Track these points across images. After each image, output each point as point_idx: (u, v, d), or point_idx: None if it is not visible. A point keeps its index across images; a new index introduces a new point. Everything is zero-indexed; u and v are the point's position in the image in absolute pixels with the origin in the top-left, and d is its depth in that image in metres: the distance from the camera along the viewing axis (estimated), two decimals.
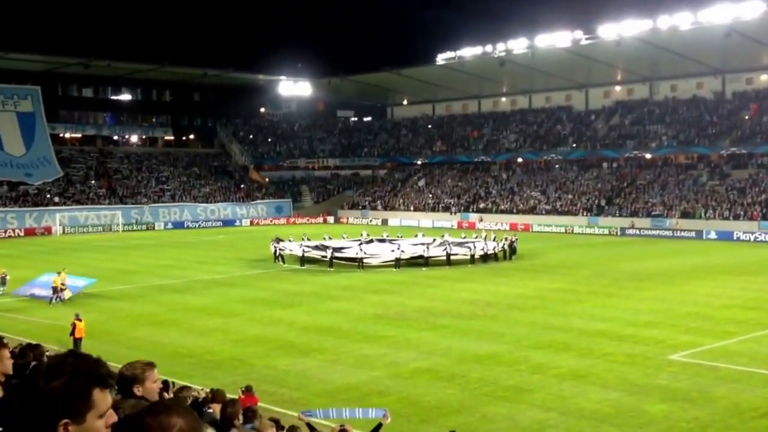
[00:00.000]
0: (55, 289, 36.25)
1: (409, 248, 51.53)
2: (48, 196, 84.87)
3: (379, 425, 14.36)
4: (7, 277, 39.94)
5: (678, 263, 49.14)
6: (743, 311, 31.66)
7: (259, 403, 17.19)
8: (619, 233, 72.65)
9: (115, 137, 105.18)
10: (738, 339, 26.58)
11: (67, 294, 36.46)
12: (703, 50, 78.84)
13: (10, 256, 49.46)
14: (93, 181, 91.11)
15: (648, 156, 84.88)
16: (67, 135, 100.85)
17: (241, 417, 9.23)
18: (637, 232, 71.90)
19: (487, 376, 22.32)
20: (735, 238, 65.89)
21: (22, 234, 77.78)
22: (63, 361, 2.47)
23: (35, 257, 51.05)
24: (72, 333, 25.87)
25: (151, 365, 5.10)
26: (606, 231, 73.94)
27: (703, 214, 70.98)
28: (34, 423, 2.33)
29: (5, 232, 77.10)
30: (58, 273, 37.24)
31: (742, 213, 69.48)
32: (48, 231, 79.51)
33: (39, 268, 42.82)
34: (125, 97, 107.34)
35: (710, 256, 53.80)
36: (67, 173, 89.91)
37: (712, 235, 67.24)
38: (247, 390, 17.36)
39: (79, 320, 26.33)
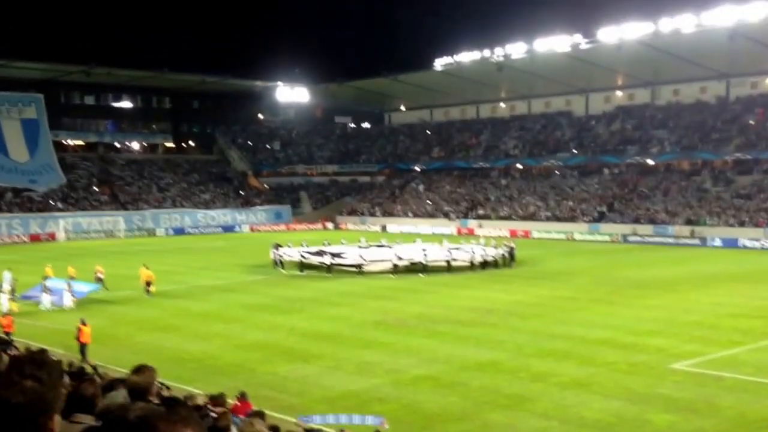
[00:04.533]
0: (148, 284, 40.13)
1: (406, 253, 51.40)
2: (52, 202, 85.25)
3: None
4: (102, 275, 42.51)
5: (681, 271, 48.76)
6: (749, 320, 31.23)
7: (255, 409, 17.22)
8: (620, 240, 72.22)
9: (117, 144, 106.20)
10: (744, 348, 26.24)
11: (153, 289, 40.12)
12: (706, 54, 77.97)
13: (15, 262, 49.36)
14: (95, 188, 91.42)
15: (650, 162, 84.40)
16: (70, 142, 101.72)
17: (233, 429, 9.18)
18: (640, 239, 71.33)
19: (488, 383, 22.15)
20: (740, 245, 65.24)
21: (26, 240, 78.63)
22: None
23: (40, 263, 51.15)
24: (77, 337, 26.14)
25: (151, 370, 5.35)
26: (607, 238, 73.45)
27: (707, 221, 70.37)
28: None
29: (10, 237, 77.94)
30: (146, 267, 41.32)
31: (747, 219, 68.69)
32: (52, 237, 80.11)
33: (44, 273, 42.74)
34: (126, 104, 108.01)
35: (715, 263, 53.22)
36: (70, 180, 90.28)
37: (717, 243, 66.51)
38: (242, 396, 17.38)
39: (85, 325, 26.58)
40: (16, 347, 21.59)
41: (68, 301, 36.81)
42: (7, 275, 38.78)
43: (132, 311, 36.05)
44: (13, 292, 37.19)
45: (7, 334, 27.48)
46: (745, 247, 64.81)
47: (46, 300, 36.83)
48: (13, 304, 35.53)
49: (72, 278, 39.93)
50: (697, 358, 24.70)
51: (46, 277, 39.67)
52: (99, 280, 42.00)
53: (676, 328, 29.55)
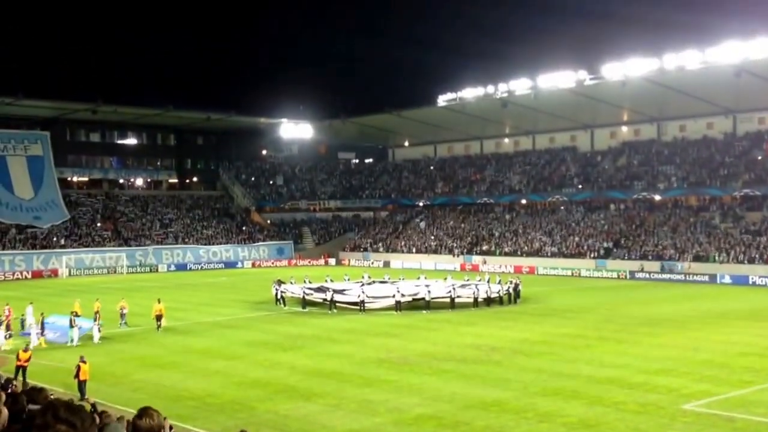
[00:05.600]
0: (158, 318, 40.24)
1: (409, 290, 50.86)
2: (55, 238, 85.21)
3: None
4: (125, 311, 42.51)
5: (691, 308, 48.13)
6: (761, 359, 30.60)
7: None
8: (628, 277, 71.45)
9: (121, 180, 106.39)
10: (755, 388, 25.66)
11: (162, 323, 40.43)
12: (712, 90, 77.68)
13: (18, 298, 49.18)
14: (99, 224, 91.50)
15: (657, 198, 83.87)
16: (75, 179, 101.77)
17: None
18: (647, 275, 70.43)
19: (493, 423, 21.65)
20: (750, 282, 64.24)
21: (29, 276, 78.48)
22: None
23: (42, 299, 50.91)
24: (76, 375, 26.01)
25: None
26: (614, 274, 72.72)
27: (716, 258, 69.63)
28: None
29: (13, 274, 77.93)
30: (159, 301, 41.33)
31: (757, 256, 67.83)
32: (54, 273, 79.97)
33: (46, 310, 42.46)
34: (131, 141, 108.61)
35: (725, 301, 52.51)
36: (74, 216, 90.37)
37: (727, 280, 65.60)
38: None
39: (84, 362, 26.44)
40: (14, 385, 21.17)
41: (97, 336, 37.30)
42: (30, 310, 39.12)
43: (132, 348, 35.84)
44: (42, 326, 37.66)
45: (18, 369, 27.23)
46: (755, 284, 63.86)
47: (75, 335, 36.88)
48: (40, 339, 36.05)
49: (97, 313, 39.70)
50: (708, 399, 24.13)
51: (74, 313, 39.43)
52: (122, 315, 42.25)
53: (687, 367, 28.96)
